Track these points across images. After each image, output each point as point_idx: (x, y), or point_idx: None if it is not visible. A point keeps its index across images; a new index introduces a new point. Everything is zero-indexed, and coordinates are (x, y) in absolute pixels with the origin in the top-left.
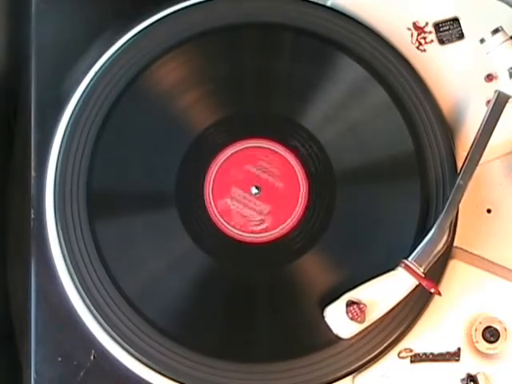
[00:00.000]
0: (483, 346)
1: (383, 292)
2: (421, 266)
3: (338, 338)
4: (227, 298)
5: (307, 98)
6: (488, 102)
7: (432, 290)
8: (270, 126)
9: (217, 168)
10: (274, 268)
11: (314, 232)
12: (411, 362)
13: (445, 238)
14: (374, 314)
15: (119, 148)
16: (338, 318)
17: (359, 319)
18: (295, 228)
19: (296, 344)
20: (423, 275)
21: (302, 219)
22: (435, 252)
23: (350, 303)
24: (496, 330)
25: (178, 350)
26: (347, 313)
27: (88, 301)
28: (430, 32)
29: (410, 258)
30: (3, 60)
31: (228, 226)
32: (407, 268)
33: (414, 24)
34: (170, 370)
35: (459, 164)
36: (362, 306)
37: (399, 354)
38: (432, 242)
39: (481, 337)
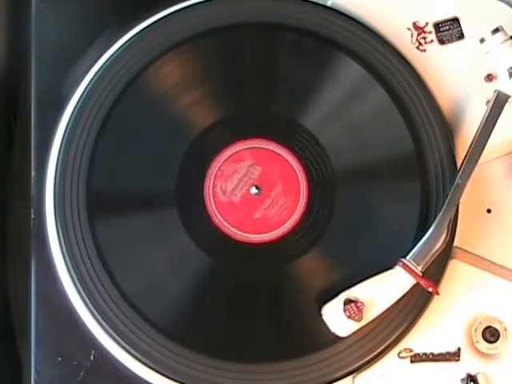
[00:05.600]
0: (483, 346)
1: (381, 290)
2: (419, 265)
3: (335, 337)
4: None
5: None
6: (488, 101)
7: (430, 289)
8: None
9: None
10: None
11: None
12: (411, 362)
13: (443, 237)
14: (371, 312)
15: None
16: (335, 316)
17: (357, 317)
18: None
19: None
20: (421, 274)
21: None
22: (433, 251)
23: (347, 301)
24: (496, 329)
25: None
26: (345, 311)
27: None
28: (430, 32)
29: (408, 257)
30: (3, 60)
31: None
32: (405, 267)
33: (414, 24)
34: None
35: (459, 164)
36: (359, 304)
37: (399, 354)
38: (430, 241)
39: (481, 337)
